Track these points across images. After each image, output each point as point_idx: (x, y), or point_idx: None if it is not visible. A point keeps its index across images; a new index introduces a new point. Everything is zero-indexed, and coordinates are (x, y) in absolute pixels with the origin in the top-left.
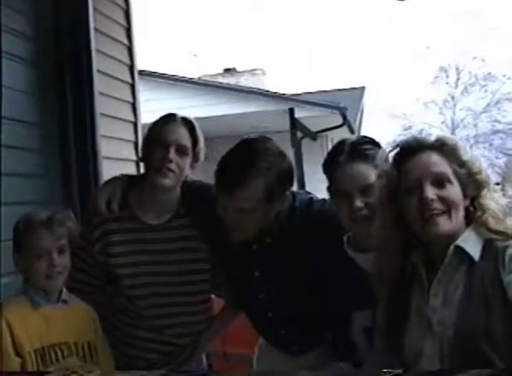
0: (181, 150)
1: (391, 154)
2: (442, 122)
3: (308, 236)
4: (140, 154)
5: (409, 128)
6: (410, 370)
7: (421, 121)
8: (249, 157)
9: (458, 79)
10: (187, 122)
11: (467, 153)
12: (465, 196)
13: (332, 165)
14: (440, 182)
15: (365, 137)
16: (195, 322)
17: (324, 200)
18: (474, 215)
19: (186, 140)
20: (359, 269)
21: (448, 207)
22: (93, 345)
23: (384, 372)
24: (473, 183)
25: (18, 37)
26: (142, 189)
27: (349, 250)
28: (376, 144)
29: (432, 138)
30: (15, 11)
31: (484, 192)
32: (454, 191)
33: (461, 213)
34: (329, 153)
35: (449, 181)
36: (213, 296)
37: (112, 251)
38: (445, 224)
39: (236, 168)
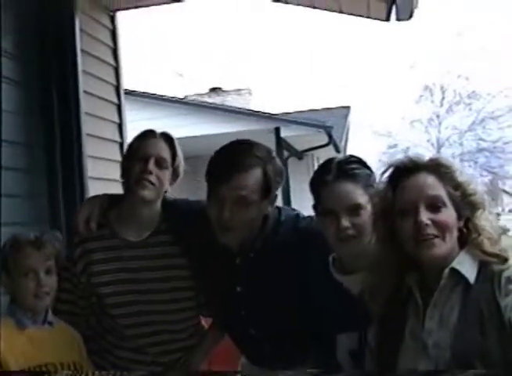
0: (160, 163)
1: (386, 174)
2: (428, 141)
3: (293, 253)
4: (120, 171)
5: (395, 146)
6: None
7: (407, 139)
8: (245, 148)
9: (443, 98)
10: (166, 136)
11: (462, 174)
12: (459, 217)
13: (319, 184)
14: (434, 205)
15: (353, 156)
16: (180, 339)
17: (311, 217)
18: (468, 237)
19: (165, 153)
20: (344, 291)
21: (443, 231)
22: (79, 365)
23: None
24: (467, 205)
25: (4, 56)
26: (123, 206)
27: (334, 271)
28: (363, 163)
29: (427, 158)
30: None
31: (479, 213)
32: (448, 214)
33: (455, 235)
34: (316, 172)
35: (444, 204)
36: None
37: (93, 269)
38: (439, 248)
39: (234, 156)
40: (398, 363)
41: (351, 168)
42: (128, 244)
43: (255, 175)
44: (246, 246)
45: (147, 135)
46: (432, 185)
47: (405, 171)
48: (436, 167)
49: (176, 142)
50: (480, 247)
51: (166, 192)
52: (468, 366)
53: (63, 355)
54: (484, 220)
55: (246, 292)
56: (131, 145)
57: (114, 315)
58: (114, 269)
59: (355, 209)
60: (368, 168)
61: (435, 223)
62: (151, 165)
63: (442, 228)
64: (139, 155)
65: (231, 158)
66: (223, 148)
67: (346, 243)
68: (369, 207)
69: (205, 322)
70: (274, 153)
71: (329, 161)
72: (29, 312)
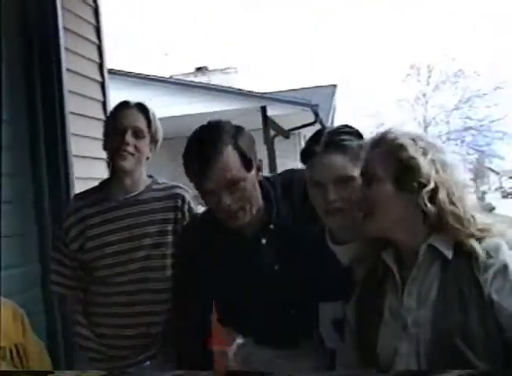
0: (137, 133)
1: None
2: (414, 119)
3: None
4: (103, 144)
5: (381, 125)
6: (386, 369)
7: (393, 118)
8: (208, 134)
9: (429, 76)
10: (140, 106)
11: (411, 150)
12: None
13: (308, 155)
14: (343, 182)
15: (345, 126)
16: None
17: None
18: (440, 219)
19: (141, 123)
20: (336, 260)
21: (371, 206)
22: (21, 347)
23: None
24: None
25: None
26: (110, 178)
27: (328, 240)
28: (356, 134)
29: (377, 135)
30: None
31: (442, 195)
32: (378, 190)
33: (394, 209)
34: (306, 143)
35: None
36: None
37: (90, 234)
38: (368, 225)
39: (202, 147)
40: (377, 340)
41: (341, 139)
42: (115, 206)
43: (229, 155)
44: (260, 221)
45: (122, 106)
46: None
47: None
48: (376, 145)
49: (151, 111)
50: (452, 228)
51: (148, 158)
52: (448, 343)
53: (3, 338)
54: (451, 203)
55: (283, 268)
56: (108, 118)
57: (108, 275)
58: (110, 231)
59: (343, 181)
60: (361, 137)
61: (364, 198)
62: (128, 136)
63: (370, 203)
64: (116, 127)
65: (200, 152)
66: (189, 143)
67: (333, 215)
68: (359, 179)
69: None
70: (239, 126)
71: (319, 132)
72: None
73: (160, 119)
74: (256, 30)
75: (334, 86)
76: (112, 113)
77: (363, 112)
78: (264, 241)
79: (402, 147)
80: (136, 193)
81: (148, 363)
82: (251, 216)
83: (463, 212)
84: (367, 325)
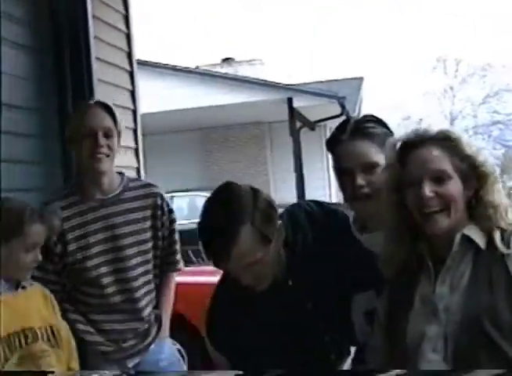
0: (107, 134)
1: (395, 148)
2: (441, 113)
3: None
4: (68, 144)
5: (408, 118)
6: (412, 353)
7: (420, 111)
8: (229, 212)
9: (456, 70)
10: (102, 105)
11: (470, 145)
12: (468, 188)
13: (335, 144)
14: (439, 178)
15: (370, 115)
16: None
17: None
18: (477, 208)
19: (108, 122)
20: (364, 250)
21: (447, 203)
22: (55, 328)
23: None
24: (476, 177)
25: (15, 23)
26: (82, 178)
27: (354, 229)
28: (380, 122)
29: (434, 131)
30: None
31: (488, 185)
32: (453, 187)
33: (461, 206)
34: (332, 132)
35: (449, 177)
36: None
37: (69, 237)
38: (443, 221)
39: (223, 225)
40: (406, 327)
41: (367, 126)
42: (95, 206)
43: (247, 237)
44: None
45: (86, 108)
46: (437, 158)
47: (411, 144)
48: (443, 139)
49: (113, 108)
50: (488, 219)
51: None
52: (477, 327)
53: (40, 318)
54: (494, 192)
55: (297, 282)
56: (73, 119)
57: (96, 276)
58: (93, 231)
59: (371, 167)
60: (386, 127)
61: (439, 195)
62: (100, 138)
63: (447, 200)
64: (87, 130)
65: (218, 232)
66: (207, 216)
67: (361, 201)
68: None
69: None
70: (255, 191)
71: (345, 121)
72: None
73: (188, 109)
74: (284, 21)
75: (361, 79)
76: (76, 115)
77: (389, 105)
78: (290, 283)
79: (467, 145)
80: (116, 192)
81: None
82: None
83: (500, 204)
84: (398, 313)
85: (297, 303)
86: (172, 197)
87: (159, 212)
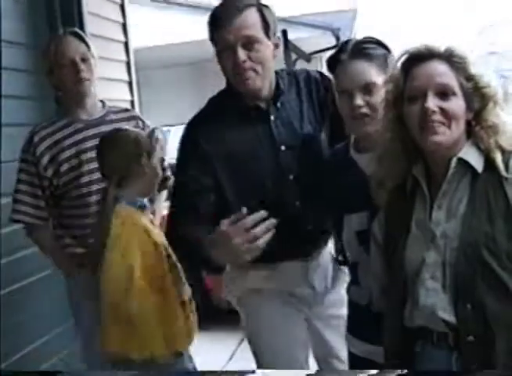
0: (84, 58)
1: (400, 60)
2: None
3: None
4: (48, 76)
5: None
6: (410, 281)
7: (415, 43)
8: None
9: None
10: (73, 33)
11: (476, 66)
12: (469, 109)
13: (334, 63)
14: (444, 93)
15: (370, 37)
16: None
17: None
18: (476, 129)
19: (83, 48)
20: (358, 170)
21: (449, 119)
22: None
23: None
24: (478, 97)
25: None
26: (67, 102)
27: (351, 149)
28: (381, 44)
29: (442, 47)
30: None
31: (489, 106)
32: (457, 104)
33: (462, 126)
34: (333, 52)
35: (454, 93)
36: None
37: (62, 157)
38: (443, 135)
39: (229, 4)
40: (404, 252)
41: (367, 47)
42: (83, 127)
43: (251, 14)
44: (270, 98)
45: (59, 38)
46: (443, 73)
47: (418, 57)
48: (450, 56)
49: (83, 35)
50: (484, 139)
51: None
52: (475, 254)
53: (160, 235)
54: (493, 113)
55: (289, 149)
56: (49, 50)
57: (86, 192)
58: (83, 150)
59: (369, 88)
60: (386, 48)
61: (443, 111)
62: (80, 64)
63: (449, 116)
64: (66, 58)
65: (224, 9)
66: (217, 5)
67: (359, 121)
68: (382, 86)
69: None
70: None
71: (346, 42)
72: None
73: (181, 44)
74: None
75: (355, 10)
76: (51, 47)
77: (384, 34)
78: (272, 117)
79: (472, 65)
80: (101, 114)
81: None
82: (262, 83)
83: (500, 124)
84: (395, 238)
85: (282, 169)
86: (168, 130)
87: None
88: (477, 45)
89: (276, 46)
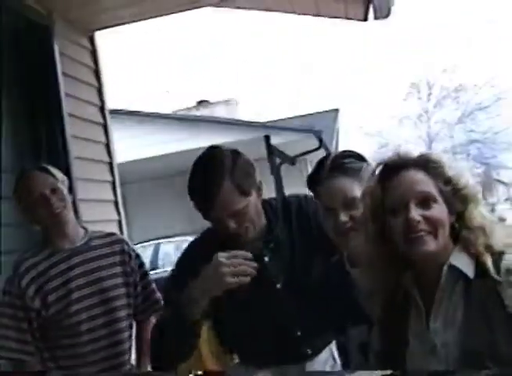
0: (54, 190)
1: (376, 172)
2: (419, 137)
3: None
4: (24, 214)
5: (386, 145)
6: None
7: (397, 137)
8: (209, 172)
9: (430, 93)
10: (41, 168)
11: (452, 168)
12: (451, 212)
13: (315, 182)
14: (425, 201)
15: (348, 151)
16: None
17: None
18: (461, 232)
19: (50, 179)
20: (355, 283)
21: (435, 227)
22: None
23: None
24: (459, 199)
25: None
26: (48, 235)
27: (346, 263)
28: (358, 157)
29: (415, 154)
30: None
31: (471, 207)
32: (440, 210)
33: (447, 230)
34: (312, 170)
35: (435, 200)
36: None
37: (48, 287)
38: (431, 244)
39: (203, 185)
40: (405, 363)
41: (345, 162)
42: (67, 255)
43: (227, 191)
44: (262, 239)
45: (28, 174)
46: (421, 181)
47: (393, 168)
48: (425, 163)
49: (50, 168)
50: (473, 242)
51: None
52: (478, 362)
53: None
54: (477, 214)
55: (285, 286)
56: (17, 190)
57: (76, 322)
58: (69, 279)
59: (352, 203)
60: (364, 160)
61: (427, 219)
62: (51, 198)
63: (434, 224)
64: (35, 195)
65: (202, 190)
66: (191, 177)
67: (346, 236)
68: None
69: None
70: (235, 152)
71: (323, 158)
72: None
73: (165, 156)
74: (254, 59)
75: (336, 110)
76: (19, 187)
77: (366, 132)
78: (267, 259)
79: (449, 168)
80: (84, 241)
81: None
82: (254, 234)
83: (485, 226)
84: (394, 353)
85: (268, 280)
86: (158, 243)
87: (127, 258)
88: (457, 135)
89: (259, 189)
